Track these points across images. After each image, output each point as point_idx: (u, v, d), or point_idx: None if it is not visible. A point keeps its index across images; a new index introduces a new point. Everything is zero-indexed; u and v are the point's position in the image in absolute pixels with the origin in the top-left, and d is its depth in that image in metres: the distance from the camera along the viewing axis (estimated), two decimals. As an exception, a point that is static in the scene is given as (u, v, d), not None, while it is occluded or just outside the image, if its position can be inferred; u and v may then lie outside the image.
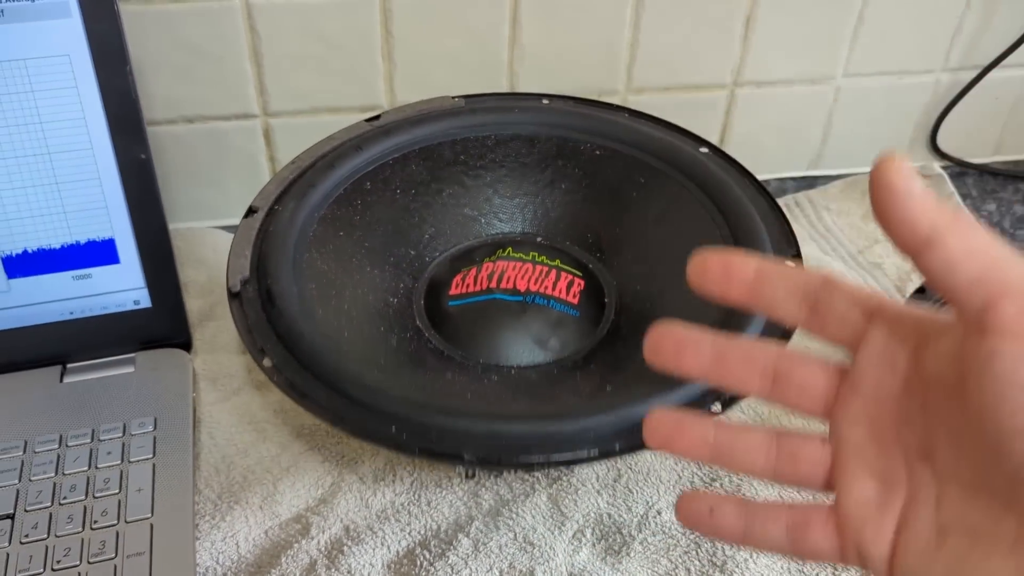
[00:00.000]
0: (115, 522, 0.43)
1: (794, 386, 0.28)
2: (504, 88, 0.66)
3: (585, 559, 0.44)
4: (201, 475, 0.48)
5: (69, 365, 0.52)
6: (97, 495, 0.44)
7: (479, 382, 0.46)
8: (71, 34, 0.46)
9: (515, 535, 0.45)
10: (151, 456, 0.46)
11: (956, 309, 0.24)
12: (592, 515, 0.46)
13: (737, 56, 0.68)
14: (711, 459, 0.30)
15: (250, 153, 0.66)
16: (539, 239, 0.55)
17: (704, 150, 0.54)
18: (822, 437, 0.29)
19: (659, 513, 0.46)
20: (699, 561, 0.44)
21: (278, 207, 0.49)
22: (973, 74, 0.71)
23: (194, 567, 0.42)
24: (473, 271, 0.51)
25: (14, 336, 0.51)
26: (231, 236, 0.64)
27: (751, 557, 0.44)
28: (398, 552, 0.45)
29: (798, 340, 0.42)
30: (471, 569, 0.43)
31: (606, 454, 0.39)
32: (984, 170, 0.75)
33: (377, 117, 0.55)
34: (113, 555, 0.41)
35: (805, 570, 0.44)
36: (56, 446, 0.47)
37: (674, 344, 0.29)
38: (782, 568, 0.44)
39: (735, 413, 0.52)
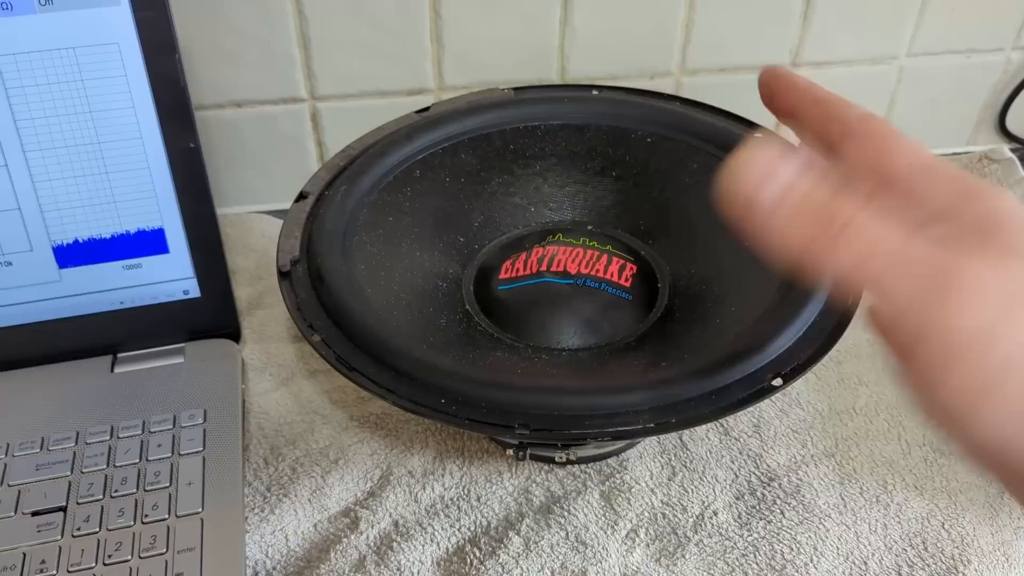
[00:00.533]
0: (166, 516, 0.43)
1: None
2: (554, 71, 0.65)
3: (639, 560, 0.43)
4: (250, 467, 0.48)
5: (120, 355, 0.52)
6: (148, 488, 0.44)
7: (529, 361, 0.46)
8: (120, 22, 0.45)
9: (567, 534, 0.44)
10: (201, 449, 0.46)
11: None
12: (646, 514, 0.45)
13: (796, 35, 0.65)
14: None
15: (297, 137, 0.65)
16: (589, 227, 0.54)
17: (759, 135, 0.52)
18: None
19: (715, 514, 0.45)
20: (757, 564, 0.43)
21: (329, 192, 0.49)
22: (1046, 53, 0.68)
23: (243, 561, 0.42)
24: (523, 256, 0.50)
25: (66, 325, 0.51)
26: (278, 221, 0.64)
27: (811, 562, 0.43)
28: (448, 549, 0.44)
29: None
30: (522, 568, 0.43)
31: (661, 427, 0.37)
32: (1056, 153, 0.72)
33: (427, 109, 0.54)
34: (164, 550, 0.41)
35: (868, 574, 0.42)
36: (107, 437, 0.47)
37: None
38: (843, 573, 0.42)
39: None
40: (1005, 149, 0.68)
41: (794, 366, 0.38)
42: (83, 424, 0.47)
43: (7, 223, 0.48)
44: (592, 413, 0.37)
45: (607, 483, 0.47)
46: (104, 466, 0.45)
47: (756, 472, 0.47)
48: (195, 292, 0.52)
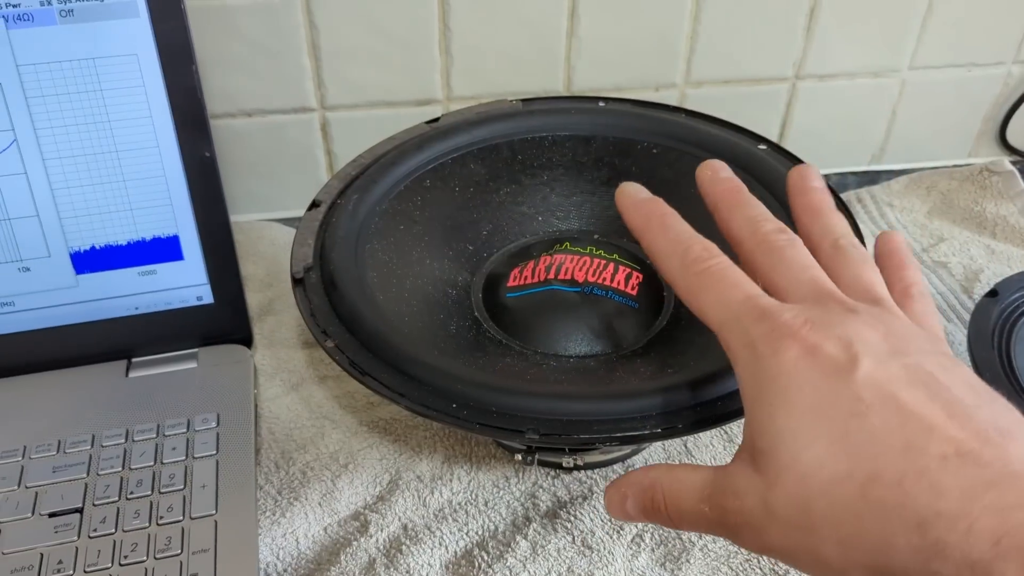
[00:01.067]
0: (180, 518, 0.43)
1: None
2: (561, 82, 0.66)
3: (644, 564, 0.44)
4: (262, 470, 0.48)
5: (134, 360, 0.53)
6: (163, 491, 0.45)
7: (537, 367, 0.47)
8: (139, 33, 0.46)
9: (573, 538, 0.45)
10: (215, 452, 0.47)
11: None
12: (651, 519, 0.46)
13: (799, 48, 0.66)
14: None
15: (307, 146, 0.66)
16: (596, 236, 0.55)
17: (763, 147, 0.53)
18: None
19: (719, 519, 0.46)
20: (760, 570, 0.43)
21: (341, 201, 0.50)
22: (1046, 66, 0.69)
23: (257, 564, 0.43)
24: (531, 264, 0.51)
25: (82, 330, 0.52)
26: (289, 229, 0.65)
27: (813, 566, 0.43)
28: (456, 552, 0.45)
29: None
30: (529, 572, 0.43)
31: (669, 432, 0.38)
32: (1055, 166, 0.73)
33: (437, 119, 0.55)
34: (179, 551, 0.42)
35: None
36: (122, 440, 0.47)
37: None
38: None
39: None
40: (1006, 161, 0.69)
41: None
42: (99, 427, 0.48)
43: (26, 229, 0.49)
44: (600, 418, 0.38)
45: (613, 488, 0.47)
46: (120, 468, 0.46)
47: (759, 478, 0.48)
48: (208, 298, 0.53)
